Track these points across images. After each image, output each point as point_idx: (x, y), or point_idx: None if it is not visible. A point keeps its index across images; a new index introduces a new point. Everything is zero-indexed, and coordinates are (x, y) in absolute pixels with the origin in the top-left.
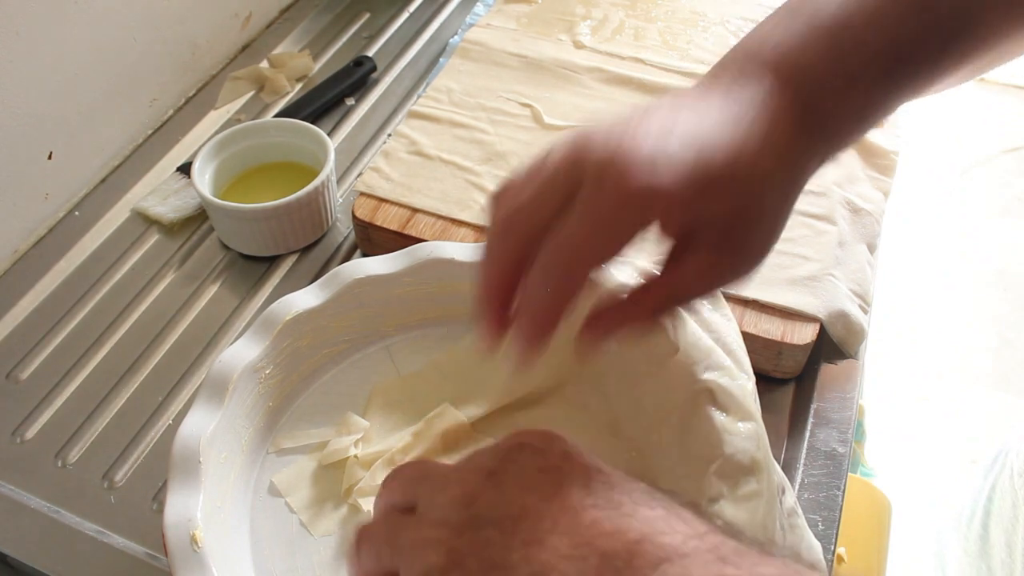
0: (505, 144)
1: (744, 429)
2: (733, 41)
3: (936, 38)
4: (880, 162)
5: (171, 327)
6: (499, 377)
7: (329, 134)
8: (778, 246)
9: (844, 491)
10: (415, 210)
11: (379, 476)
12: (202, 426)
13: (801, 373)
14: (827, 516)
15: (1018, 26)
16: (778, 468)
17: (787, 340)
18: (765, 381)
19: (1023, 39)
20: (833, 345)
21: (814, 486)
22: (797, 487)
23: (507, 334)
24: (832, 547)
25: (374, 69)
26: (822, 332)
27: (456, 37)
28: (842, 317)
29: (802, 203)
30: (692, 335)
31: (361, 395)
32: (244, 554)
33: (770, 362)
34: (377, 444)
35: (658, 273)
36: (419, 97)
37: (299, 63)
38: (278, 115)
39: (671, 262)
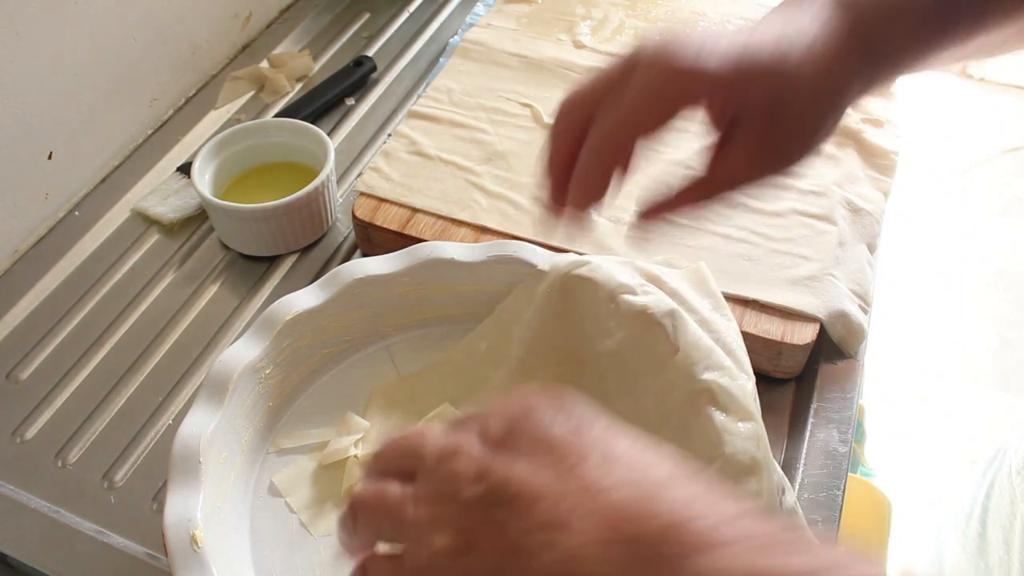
0: (505, 144)
1: (744, 429)
2: None
3: None
4: (880, 162)
5: (171, 327)
6: (499, 377)
7: (329, 134)
8: (778, 246)
9: (844, 491)
10: (415, 210)
11: None
12: (202, 426)
13: (801, 373)
14: (827, 516)
15: None
16: (778, 468)
17: (787, 340)
18: (765, 381)
19: None
20: (833, 345)
21: (814, 486)
22: (797, 487)
23: (565, 205)
24: None
25: (374, 69)
26: (822, 332)
27: (456, 37)
28: (842, 317)
29: (802, 203)
30: (692, 335)
31: (361, 395)
32: (244, 554)
33: (770, 362)
34: (377, 444)
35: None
36: (419, 97)
37: (299, 63)
38: (278, 115)
39: (719, 153)
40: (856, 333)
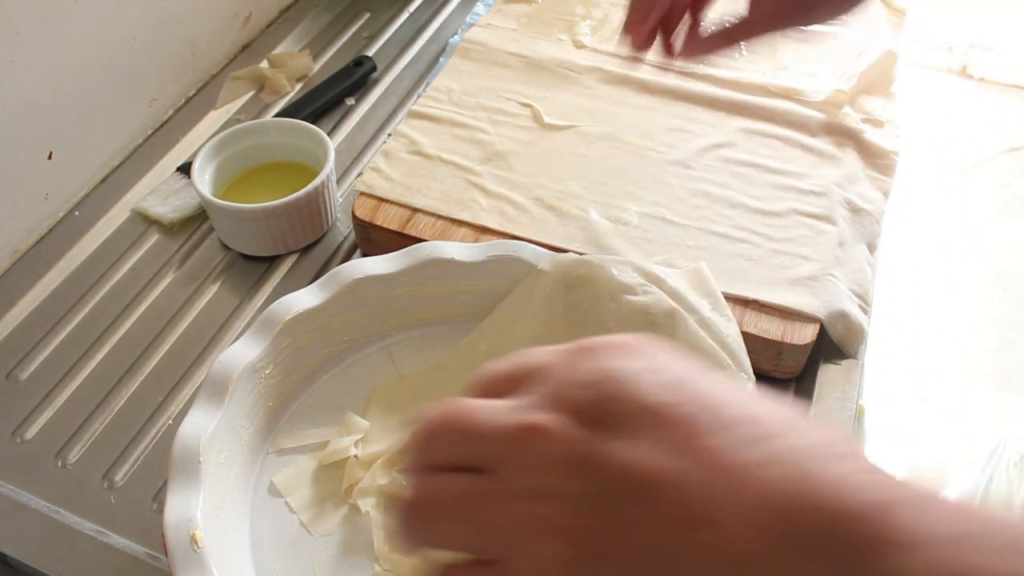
0: (505, 144)
1: None
2: None
3: None
4: (880, 162)
5: (171, 327)
6: None
7: (329, 134)
8: (778, 246)
9: None
10: (415, 210)
11: (379, 476)
12: (202, 426)
13: (801, 373)
14: None
15: None
16: None
17: (787, 340)
18: (765, 381)
19: None
20: (833, 345)
21: None
22: None
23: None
24: None
25: (374, 69)
26: (822, 332)
27: (456, 37)
28: (842, 317)
29: (802, 203)
30: (692, 335)
31: (361, 395)
32: (244, 554)
33: (770, 362)
34: (377, 444)
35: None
36: (419, 97)
37: (299, 63)
38: (278, 115)
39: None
40: (856, 333)
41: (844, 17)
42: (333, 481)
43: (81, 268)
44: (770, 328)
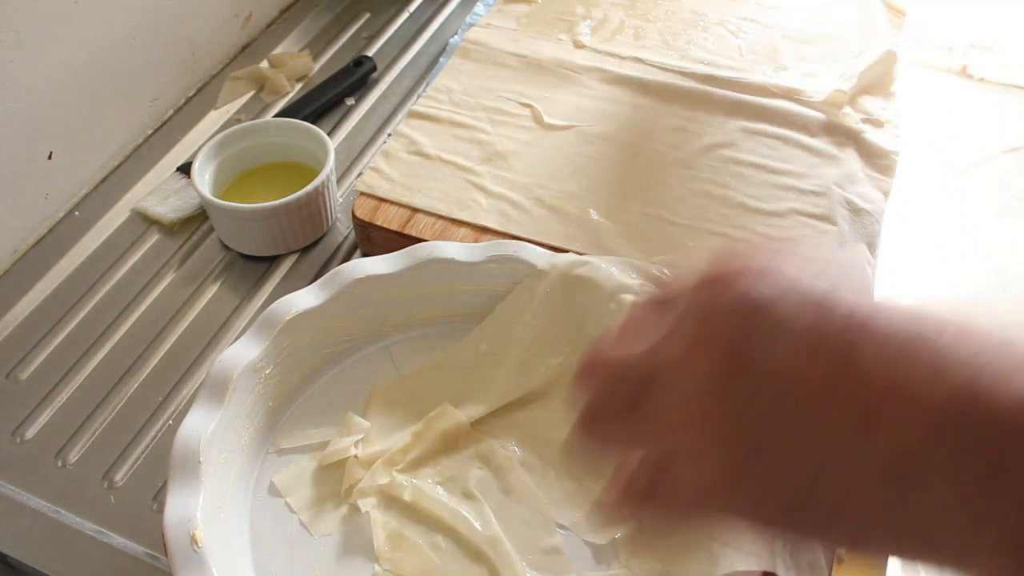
0: (505, 144)
1: None
2: (733, 41)
3: None
4: (880, 162)
5: (171, 327)
6: (499, 377)
7: (329, 134)
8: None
9: None
10: (415, 210)
11: (379, 476)
12: (202, 426)
13: None
14: None
15: None
16: None
17: None
18: None
19: None
20: None
21: None
22: None
23: None
24: (832, 547)
25: (374, 69)
26: None
27: (456, 37)
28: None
29: (802, 203)
30: None
31: (361, 395)
32: (244, 554)
33: None
34: (377, 444)
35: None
36: (419, 97)
37: (299, 63)
38: (278, 115)
39: None
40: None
41: None
42: (333, 481)
43: (81, 268)
44: None
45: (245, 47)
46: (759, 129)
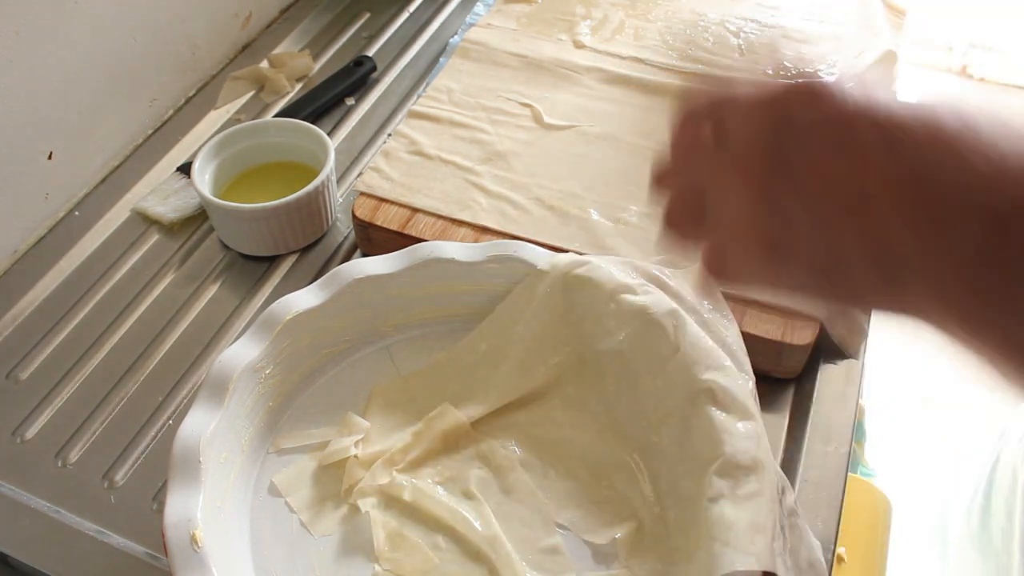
0: (505, 144)
1: (744, 429)
2: (733, 41)
3: None
4: None
5: (171, 327)
6: (499, 377)
7: (329, 134)
8: None
9: (844, 491)
10: (415, 210)
11: (379, 476)
12: (202, 426)
13: (801, 373)
14: (827, 516)
15: None
16: (778, 468)
17: (787, 340)
18: (765, 381)
19: None
20: (833, 345)
21: (814, 486)
22: (797, 487)
23: None
24: (832, 547)
25: (374, 69)
26: (822, 332)
27: (456, 37)
28: (842, 317)
29: None
30: (692, 335)
31: (361, 395)
32: (244, 554)
33: (770, 362)
34: (377, 444)
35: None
36: (419, 97)
37: (299, 63)
38: (278, 115)
39: None
40: (856, 333)
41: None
42: (333, 481)
43: (81, 268)
44: (770, 328)
45: (245, 47)
46: None
